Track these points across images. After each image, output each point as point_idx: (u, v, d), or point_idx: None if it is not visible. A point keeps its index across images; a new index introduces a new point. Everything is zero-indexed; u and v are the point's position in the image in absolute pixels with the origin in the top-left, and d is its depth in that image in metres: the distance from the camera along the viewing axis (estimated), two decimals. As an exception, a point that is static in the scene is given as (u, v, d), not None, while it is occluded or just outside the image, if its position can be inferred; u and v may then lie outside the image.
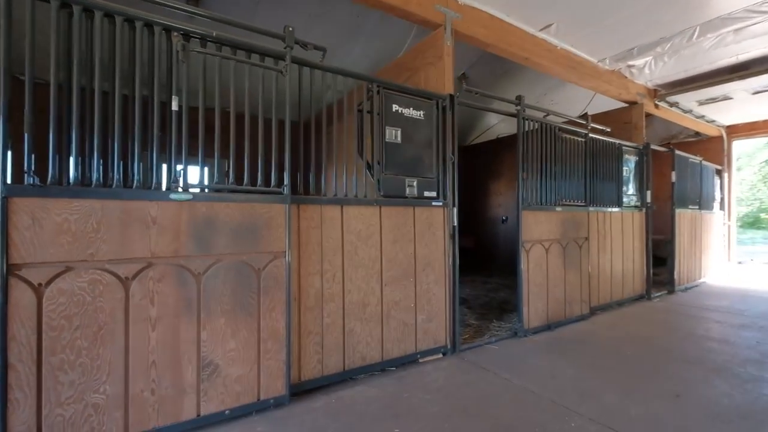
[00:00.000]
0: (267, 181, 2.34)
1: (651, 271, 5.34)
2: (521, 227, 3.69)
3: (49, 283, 1.72)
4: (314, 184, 2.59)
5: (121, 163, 1.90)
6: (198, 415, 2.05)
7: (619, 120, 5.74)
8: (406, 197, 2.97)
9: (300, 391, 2.46)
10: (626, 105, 5.69)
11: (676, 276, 5.73)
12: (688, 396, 2.48)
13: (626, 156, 5.14)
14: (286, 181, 2.36)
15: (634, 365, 2.98)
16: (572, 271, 4.17)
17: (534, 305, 3.78)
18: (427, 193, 3.09)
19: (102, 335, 1.82)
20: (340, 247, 2.64)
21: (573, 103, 7.03)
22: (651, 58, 4.69)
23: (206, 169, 2.15)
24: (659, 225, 6.71)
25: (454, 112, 3.26)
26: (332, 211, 2.61)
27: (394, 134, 2.91)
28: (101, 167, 1.85)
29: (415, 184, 3.02)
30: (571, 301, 4.15)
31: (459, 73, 6.01)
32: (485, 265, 8.12)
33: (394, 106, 2.92)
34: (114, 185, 1.88)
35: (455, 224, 3.24)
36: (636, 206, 5.28)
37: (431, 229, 3.12)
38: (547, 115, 4.05)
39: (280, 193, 2.34)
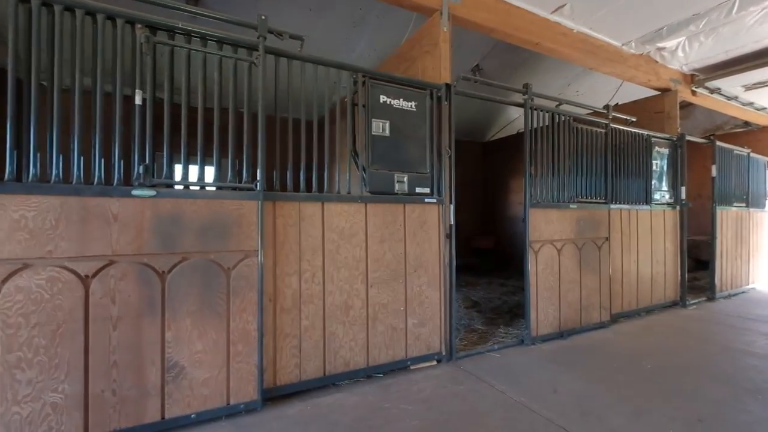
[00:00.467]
0: (238, 177, 2.25)
1: (686, 275, 4.83)
2: (528, 226, 3.40)
3: (5, 280, 1.70)
4: (293, 181, 2.47)
5: (82, 158, 1.86)
6: (162, 418, 1.99)
7: (650, 109, 5.24)
8: (396, 193, 2.80)
9: (276, 396, 2.36)
10: (658, 93, 5.18)
11: (717, 281, 5.15)
12: (713, 421, 2.14)
13: (657, 149, 4.67)
14: (258, 176, 2.26)
15: (652, 381, 2.65)
16: (589, 274, 3.82)
17: (544, 310, 3.48)
18: (419, 190, 2.90)
19: (61, 333, 1.79)
20: (320, 246, 2.51)
21: (601, 93, 6.55)
22: (684, 38, 4.21)
23: (174, 166, 2.08)
24: (703, 224, 6.10)
25: (451, 103, 3.05)
26: (312, 208, 2.49)
27: (381, 127, 2.74)
28: (61, 163, 1.83)
29: (405, 179, 2.83)
30: (587, 306, 3.80)
31: (472, 65, 5.74)
32: (504, 266, 7.75)
33: (381, 97, 2.75)
34: (74, 181, 1.85)
35: (452, 223, 3.03)
36: (668, 204, 4.78)
37: (424, 228, 2.92)
38: (560, 104, 3.73)
39: (252, 190, 2.24)
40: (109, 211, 1.89)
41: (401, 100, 2.83)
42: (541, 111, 3.54)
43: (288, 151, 2.43)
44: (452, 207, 3.04)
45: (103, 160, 1.91)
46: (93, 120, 1.89)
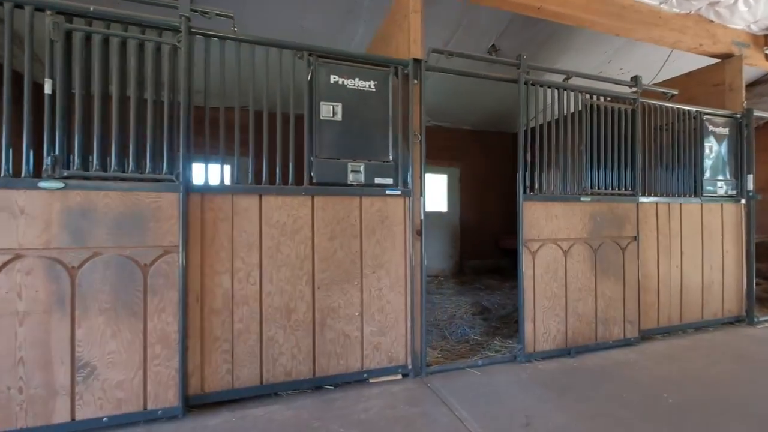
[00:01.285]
0: (157, 168, 2.10)
1: (753, 284, 3.87)
2: (522, 222, 2.89)
3: None
4: (227, 172, 2.29)
5: (-11, 150, 1.84)
6: (72, 420, 1.91)
7: (706, 81, 4.31)
8: (350, 184, 2.50)
9: (204, 403, 2.19)
10: (718, 61, 4.23)
11: (802, 293, 4.08)
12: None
13: (712, 128, 3.80)
14: (180, 167, 2.10)
15: (664, 422, 2.05)
16: (609, 281, 3.17)
17: (544, 323, 2.94)
18: (379, 180, 2.56)
19: (-35, 327, 1.78)
20: (257, 242, 2.30)
21: (653, 68, 5.60)
22: (744, -13, 3.35)
23: (89, 157, 2.00)
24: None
25: (422, 81, 2.67)
26: (247, 201, 2.28)
27: (331, 110, 2.46)
28: (-32, 155, 1.81)
29: (361, 168, 2.52)
30: (606, 320, 3.16)
31: (488, 46, 5.19)
32: (537, 269, 6.97)
33: (332, 77, 2.47)
34: (-19, 174, 1.83)
35: (422, 218, 2.65)
36: (729, 196, 3.87)
37: (386, 224, 2.58)
38: (569, 78, 3.14)
39: (171, 181, 2.09)
40: (15, 203, 1.85)
41: (357, 79, 2.52)
42: (541, 86, 3.00)
43: (219, 141, 2.25)
44: (423, 200, 2.65)
45: (11, 151, 1.87)
46: (1, 110, 1.86)
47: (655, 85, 4.85)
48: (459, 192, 7.17)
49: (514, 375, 2.68)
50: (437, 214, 7.01)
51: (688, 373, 2.71)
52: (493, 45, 5.20)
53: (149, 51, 2.09)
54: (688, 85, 4.46)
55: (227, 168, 2.33)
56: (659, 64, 5.50)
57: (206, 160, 2.25)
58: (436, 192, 7.11)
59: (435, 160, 6.95)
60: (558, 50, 5.44)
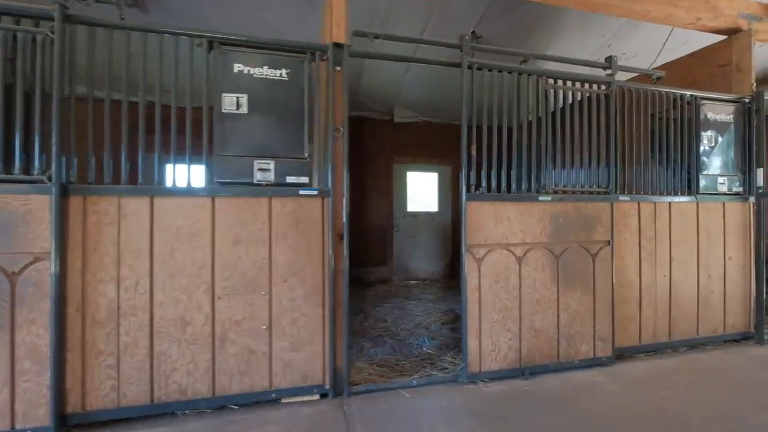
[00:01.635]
0: (31, 168, 1.95)
1: (763, 295, 3.31)
2: (465, 225, 2.56)
3: None
4: (114, 172, 2.11)
5: None
6: (-69, 439, 1.79)
7: (712, 62, 3.76)
8: (257, 184, 2.26)
9: (88, 422, 2.01)
10: (725, 38, 3.67)
11: (828, 307, 3.47)
12: None
13: (711, 115, 3.29)
14: (53, 167, 1.93)
15: (598, 471, 1.68)
16: (575, 292, 2.77)
17: (493, 339, 2.60)
18: (291, 179, 2.31)
19: None
20: (147, 248, 2.10)
21: (658, 51, 5.04)
22: (744, -54, 2.84)
23: (-46, 156, 1.87)
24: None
25: (344, 67, 2.39)
26: (136, 204, 2.09)
27: (235, 102, 2.23)
28: None
29: (270, 166, 2.27)
30: (572, 336, 2.76)
31: (469, 33, 4.81)
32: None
33: (236, 65, 2.24)
34: None
35: (345, 220, 2.37)
36: (734, 194, 3.33)
37: (300, 227, 2.33)
38: (526, 60, 2.77)
39: (42, 182, 1.93)
40: None
41: (266, 68, 2.28)
42: (489, 70, 2.64)
43: (104, 138, 2.07)
44: (345, 201, 2.38)
45: None
46: None
47: (656, 68, 4.32)
48: (451, 191, 6.79)
49: (448, 399, 2.35)
50: (426, 215, 6.67)
51: (661, 403, 2.28)
52: (473, 32, 4.82)
53: (21, 42, 1.94)
54: (691, 66, 3.95)
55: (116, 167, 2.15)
56: (667, 45, 4.93)
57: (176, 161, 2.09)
58: (426, 191, 6.77)
59: (424, 158, 6.63)
60: (548, 35, 4.99)
